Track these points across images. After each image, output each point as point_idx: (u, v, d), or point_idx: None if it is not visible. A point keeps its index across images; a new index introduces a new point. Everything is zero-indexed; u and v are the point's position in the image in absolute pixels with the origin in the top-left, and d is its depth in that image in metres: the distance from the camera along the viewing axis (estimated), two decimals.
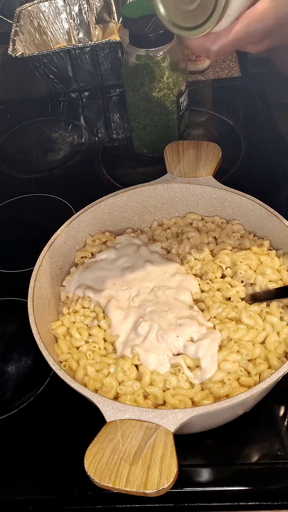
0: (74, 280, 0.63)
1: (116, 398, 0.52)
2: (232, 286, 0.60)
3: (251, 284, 0.60)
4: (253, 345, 0.54)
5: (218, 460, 0.54)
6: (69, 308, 0.61)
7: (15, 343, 0.65)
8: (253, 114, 0.98)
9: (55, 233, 0.63)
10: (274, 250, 0.63)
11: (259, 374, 0.52)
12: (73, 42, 1.18)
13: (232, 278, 0.61)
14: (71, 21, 1.17)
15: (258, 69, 1.08)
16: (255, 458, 0.53)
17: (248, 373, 0.53)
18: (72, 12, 1.16)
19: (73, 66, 1.04)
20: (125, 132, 1.00)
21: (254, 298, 0.58)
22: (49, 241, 0.62)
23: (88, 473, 0.41)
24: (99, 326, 0.58)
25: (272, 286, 0.59)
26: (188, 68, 0.85)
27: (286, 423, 0.56)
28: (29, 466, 0.55)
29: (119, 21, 1.17)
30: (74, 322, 0.59)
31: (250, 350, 0.53)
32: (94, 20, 1.18)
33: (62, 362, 0.56)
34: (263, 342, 0.55)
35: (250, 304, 0.58)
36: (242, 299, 0.59)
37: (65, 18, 1.17)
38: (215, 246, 0.65)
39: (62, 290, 0.63)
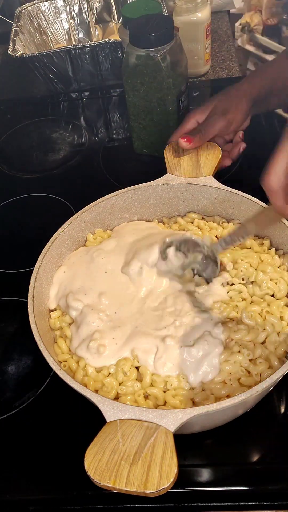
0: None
1: (116, 398, 0.52)
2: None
3: (252, 282, 0.60)
4: (254, 345, 0.54)
5: (218, 460, 0.54)
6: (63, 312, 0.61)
7: (15, 343, 0.65)
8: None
9: (55, 233, 0.63)
10: (274, 248, 0.63)
11: (260, 374, 0.52)
12: (73, 42, 1.18)
13: (233, 276, 0.61)
14: (71, 21, 1.17)
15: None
16: (255, 458, 0.53)
17: (249, 373, 0.53)
18: (72, 12, 1.16)
19: (73, 66, 1.04)
20: (125, 132, 1.00)
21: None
22: (49, 241, 0.62)
23: (88, 473, 0.41)
24: None
25: (272, 284, 0.59)
26: (189, 70, 0.85)
27: (286, 423, 0.56)
28: (29, 466, 0.55)
29: (119, 21, 1.17)
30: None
31: (252, 350, 0.53)
32: (94, 20, 1.18)
33: (61, 362, 0.56)
34: (263, 342, 0.55)
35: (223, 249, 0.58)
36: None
37: (65, 18, 1.17)
38: None
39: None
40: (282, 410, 0.57)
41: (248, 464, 0.53)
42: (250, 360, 0.53)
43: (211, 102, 0.73)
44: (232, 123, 0.71)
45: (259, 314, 0.56)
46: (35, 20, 1.14)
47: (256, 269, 0.60)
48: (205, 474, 0.53)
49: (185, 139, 0.68)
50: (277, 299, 0.58)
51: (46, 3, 1.14)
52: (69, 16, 1.17)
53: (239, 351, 0.53)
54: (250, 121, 0.76)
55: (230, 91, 0.74)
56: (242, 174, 0.84)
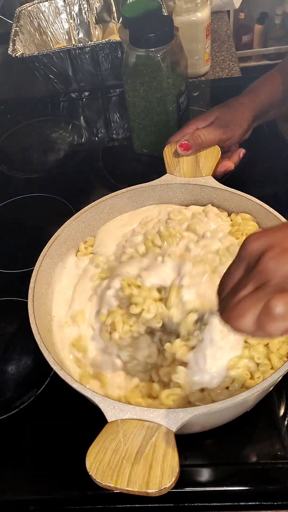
0: None
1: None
2: None
3: None
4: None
5: (218, 460, 0.54)
6: None
7: (15, 343, 0.65)
8: None
9: (55, 233, 0.63)
10: None
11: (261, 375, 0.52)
12: (73, 42, 1.18)
13: None
14: (71, 21, 1.17)
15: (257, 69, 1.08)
16: (255, 458, 0.53)
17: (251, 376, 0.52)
18: (72, 12, 1.16)
19: (73, 66, 1.04)
20: (125, 132, 1.00)
21: None
22: (49, 241, 0.62)
23: (90, 473, 0.41)
24: None
25: None
26: (189, 70, 0.85)
27: (286, 423, 0.56)
28: (29, 466, 0.55)
29: (119, 21, 1.17)
30: None
31: (261, 353, 0.51)
32: (94, 20, 1.18)
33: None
34: (266, 344, 0.54)
35: None
36: None
37: (65, 18, 1.17)
38: None
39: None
40: (282, 410, 0.57)
41: (248, 464, 0.53)
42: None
43: (213, 112, 0.74)
44: (230, 138, 0.74)
45: None
46: (35, 20, 1.14)
47: None
48: (205, 474, 0.53)
49: (182, 148, 0.70)
50: None
51: (46, 3, 1.14)
52: (69, 16, 1.17)
53: (249, 356, 0.52)
54: (251, 133, 0.78)
55: (233, 104, 0.75)
56: (242, 174, 0.84)
